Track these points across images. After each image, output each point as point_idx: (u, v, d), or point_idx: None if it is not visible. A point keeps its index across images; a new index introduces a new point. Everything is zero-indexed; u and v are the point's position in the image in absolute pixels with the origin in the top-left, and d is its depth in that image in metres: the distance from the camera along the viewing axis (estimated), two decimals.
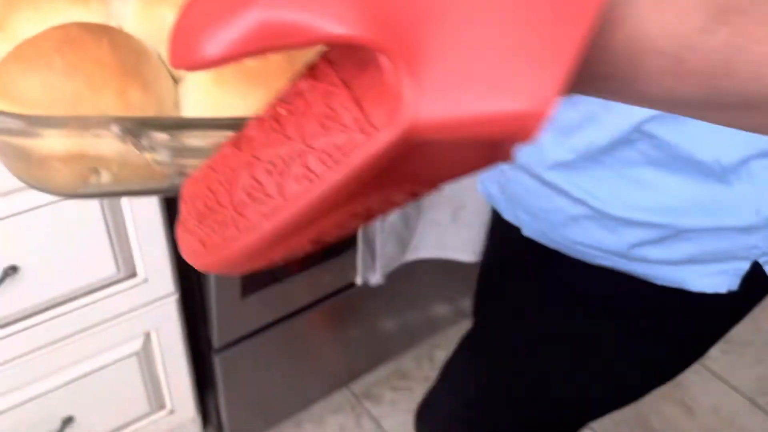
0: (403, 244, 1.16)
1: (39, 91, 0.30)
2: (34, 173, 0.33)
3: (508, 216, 0.66)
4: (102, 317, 0.97)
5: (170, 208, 0.94)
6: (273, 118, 0.22)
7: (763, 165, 0.51)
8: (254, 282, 1.05)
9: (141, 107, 0.32)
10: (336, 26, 0.18)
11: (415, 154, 0.20)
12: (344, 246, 1.14)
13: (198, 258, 0.23)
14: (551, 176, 0.58)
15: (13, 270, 0.84)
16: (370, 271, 1.14)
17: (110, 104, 0.31)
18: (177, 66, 0.20)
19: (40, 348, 0.94)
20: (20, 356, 0.93)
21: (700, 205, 0.53)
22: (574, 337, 0.67)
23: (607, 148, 0.53)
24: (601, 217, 0.56)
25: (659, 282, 0.58)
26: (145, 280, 0.98)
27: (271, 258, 0.23)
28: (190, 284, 1.04)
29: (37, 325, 0.91)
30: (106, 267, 0.93)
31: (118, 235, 0.91)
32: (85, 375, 1.02)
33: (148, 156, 0.30)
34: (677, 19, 0.22)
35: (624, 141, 0.52)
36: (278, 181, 0.21)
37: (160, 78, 0.34)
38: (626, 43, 0.22)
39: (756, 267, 0.55)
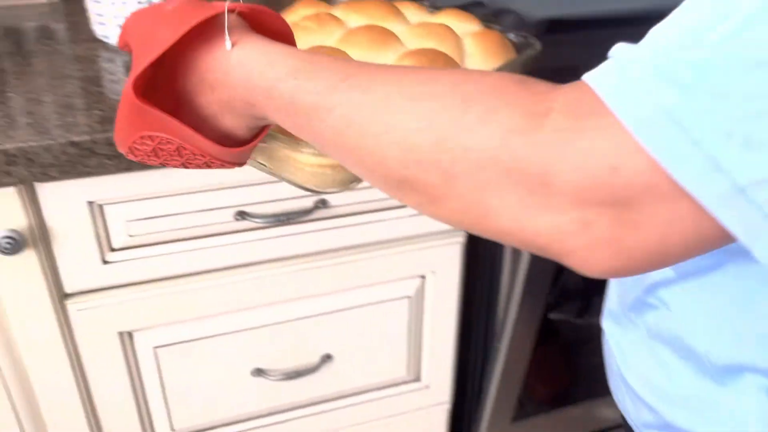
0: None
1: None
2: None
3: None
4: (382, 414, 1.06)
5: (463, 331, 1.02)
6: None
7: (757, 383, 0.43)
8: (528, 409, 1.08)
9: None
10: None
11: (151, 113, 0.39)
12: None
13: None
14: (605, 324, 0.60)
15: (328, 358, 0.97)
16: None
17: None
18: (121, 48, 0.44)
19: None
20: None
21: (690, 401, 0.48)
22: None
23: (633, 306, 0.53)
24: (623, 381, 0.55)
25: None
26: (427, 386, 1.05)
27: (123, 149, 0.43)
28: (464, 399, 1.10)
29: (333, 410, 1.02)
30: (398, 368, 1.03)
31: (414, 341, 1.01)
32: None
33: None
34: (267, 70, 0.37)
35: (644, 303, 0.51)
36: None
37: None
38: (244, 80, 0.38)
39: None
